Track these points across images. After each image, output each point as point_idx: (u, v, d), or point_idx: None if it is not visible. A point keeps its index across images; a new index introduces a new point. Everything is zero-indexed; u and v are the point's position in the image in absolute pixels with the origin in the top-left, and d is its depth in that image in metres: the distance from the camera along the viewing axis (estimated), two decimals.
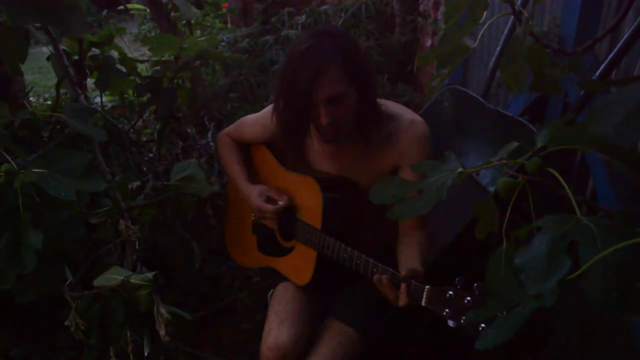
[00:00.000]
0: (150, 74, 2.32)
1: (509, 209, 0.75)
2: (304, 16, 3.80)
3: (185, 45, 2.13)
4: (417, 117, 1.36)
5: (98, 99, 2.63)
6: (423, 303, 1.10)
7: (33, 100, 3.75)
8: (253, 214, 1.62)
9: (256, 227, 1.62)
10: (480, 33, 0.83)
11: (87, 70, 2.13)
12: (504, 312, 0.67)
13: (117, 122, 2.34)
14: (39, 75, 5.73)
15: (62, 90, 1.99)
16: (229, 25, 4.48)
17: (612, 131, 0.48)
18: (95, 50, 2.25)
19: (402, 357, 1.72)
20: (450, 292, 1.06)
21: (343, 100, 1.22)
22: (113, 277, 1.33)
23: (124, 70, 2.23)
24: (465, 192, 1.70)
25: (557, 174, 0.68)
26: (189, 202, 1.92)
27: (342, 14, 3.64)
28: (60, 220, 1.43)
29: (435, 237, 1.45)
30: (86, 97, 1.99)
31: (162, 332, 1.29)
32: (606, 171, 1.55)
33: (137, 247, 1.57)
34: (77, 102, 1.83)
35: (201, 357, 1.83)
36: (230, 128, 1.64)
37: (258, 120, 1.54)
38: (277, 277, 1.50)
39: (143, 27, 7.47)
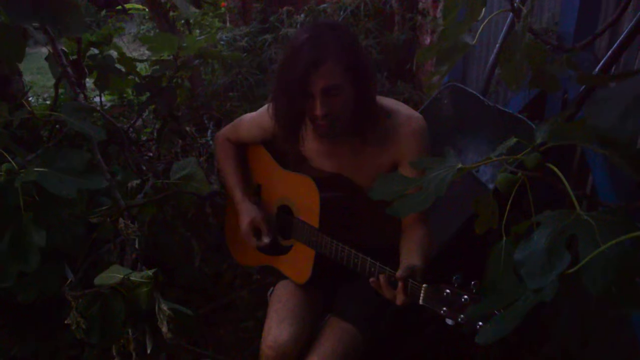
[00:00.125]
0: (149, 73, 2.33)
1: (509, 205, 0.75)
2: (302, 15, 3.81)
3: (184, 45, 2.13)
4: (414, 113, 1.35)
5: (97, 99, 2.63)
6: (420, 302, 1.10)
7: (32, 101, 3.75)
8: None
9: None
10: (479, 30, 0.83)
11: (86, 70, 2.13)
12: (502, 310, 0.67)
13: (117, 121, 2.34)
14: (38, 75, 5.73)
15: (60, 90, 1.99)
16: (228, 24, 4.49)
17: (611, 124, 0.48)
18: (95, 50, 2.25)
19: (403, 354, 1.72)
20: (448, 291, 1.05)
21: (339, 93, 1.22)
22: (113, 275, 1.33)
23: (123, 69, 2.24)
24: (465, 188, 1.71)
25: (556, 169, 0.69)
26: (188, 200, 1.92)
27: (341, 12, 3.64)
28: (61, 219, 1.43)
29: (435, 234, 1.45)
30: (85, 97, 1.99)
31: (164, 329, 1.29)
32: (605, 167, 1.55)
33: (136, 245, 1.57)
34: (75, 101, 1.83)
35: (202, 354, 1.83)
36: (227, 128, 1.63)
37: (255, 120, 1.53)
38: (277, 275, 1.51)
39: (142, 26, 7.46)
